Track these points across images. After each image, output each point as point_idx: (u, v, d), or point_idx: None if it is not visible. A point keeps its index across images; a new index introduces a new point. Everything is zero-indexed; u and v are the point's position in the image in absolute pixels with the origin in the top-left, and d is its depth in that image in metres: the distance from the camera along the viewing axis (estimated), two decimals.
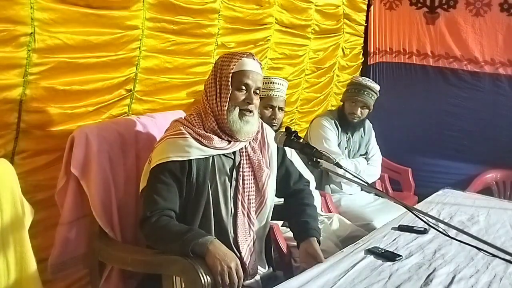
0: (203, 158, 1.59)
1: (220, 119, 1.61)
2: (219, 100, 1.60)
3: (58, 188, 1.72)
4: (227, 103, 1.59)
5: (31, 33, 1.60)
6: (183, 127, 1.60)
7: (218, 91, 1.61)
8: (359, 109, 2.75)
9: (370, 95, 2.76)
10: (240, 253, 1.62)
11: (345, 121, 2.80)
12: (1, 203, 1.33)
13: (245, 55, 1.63)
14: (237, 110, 1.60)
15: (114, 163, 1.77)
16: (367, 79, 2.89)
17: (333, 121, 2.80)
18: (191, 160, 1.56)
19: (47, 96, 1.72)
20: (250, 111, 1.61)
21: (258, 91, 1.64)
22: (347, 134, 2.83)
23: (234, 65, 1.59)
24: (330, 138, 2.73)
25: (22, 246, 1.36)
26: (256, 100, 1.63)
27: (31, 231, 1.42)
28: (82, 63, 1.80)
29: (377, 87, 2.80)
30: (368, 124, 2.97)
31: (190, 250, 1.41)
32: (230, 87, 1.59)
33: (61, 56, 1.72)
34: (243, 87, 1.60)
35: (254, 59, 1.64)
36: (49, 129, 1.76)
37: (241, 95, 1.60)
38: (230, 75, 1.59)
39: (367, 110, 2.80)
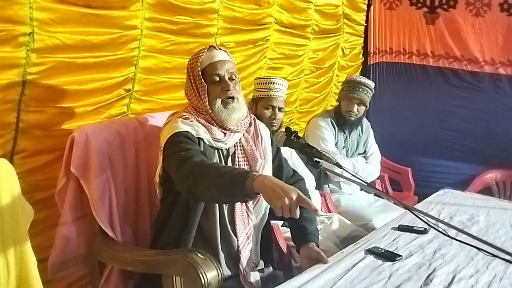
0: (208, 144, 1.61)
1: (207, 114, 1.65)
2: (200, 99, 1.65)
3: (58, 188, 1.72)
4: (207, 99, 1.63)
5: (30, 33, 1.60)
6: (186, 113, 1.66)
7: (196, 91, 1.66)
8: (356, 106, 2.75)
9: (366, 92, 2.76)
10: (237, 240, 1.64)
11: (342, 120, 2.80)
12: (1, 203, 1.32)
13: (207, 49, 1.68)
14: (219, 101, 1.63)
15: (114, 163, 1.77)
16: (361, 76, 2.89)
17: (329, 121, 2.79)
18: (199, 140, 1.59)
19: (46, 96, 1.72)
20: (232, 98, 1.64)
21: (233, 77, 1.67)
22: (345, 133, 2.83)
23: (200, 62, 1.65)
24: (327, 138, 2.73)
25: (22, 246, 1.36)
26: (235, 85, 1.66)
27: (31, 231, 1.41)
28: (81, 63, 1.80)
29: (371, 83, 2.81)
30: (366, 122, 2.97)
31: (245, 182, 1.28)
32: (205, 83, 1.63)
33: (60, 56, 1.72)
34: (216, 78, 1.64)
35: (217, 49, 1.69)
36: (48, 129, 1.76)
37: (217, 86, 1.64)
38: (200, 72, 1.64)
39: (363, 107, 2.80)
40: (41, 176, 1.77)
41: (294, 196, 1.21)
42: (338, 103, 2.89)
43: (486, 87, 3.51)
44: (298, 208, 1.22)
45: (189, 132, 1.57)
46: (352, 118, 2.78)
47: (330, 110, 2.99)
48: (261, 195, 1.67)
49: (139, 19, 1.98)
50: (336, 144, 2.77)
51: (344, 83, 2.86)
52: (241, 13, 2.54)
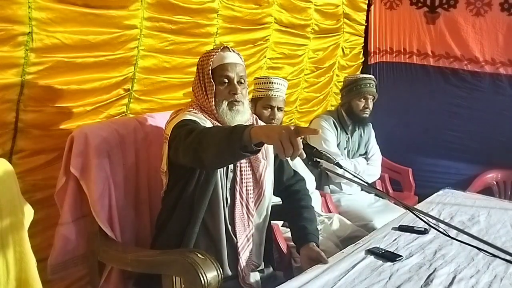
0: None
1: (212, 113, 1.65)
2: (206, 98, 1.66)
3: (57, 188, 1.71)
4: (214, 98, 1.64)
5: (29, 32, 1.60)
6: (192, 109, 1.66)
7: (204, 89, 1.66)
8: (370, 102, 2.77)
9: (374, 86, 2.79)
10: (237, 242, 1.63)
11: (352, 119, 2.80)
12: (0, 203, 1.32)
13: (220, 49, 1.67)
14: (225, 103, 1.63)
15: (114, 163, 1.77)
16: (358, 74, 2.88)
17: (332, 121, 2.78)
18: None
19: (45, 95, 1.72)
20: (238, 101, 1.64)
21: (242, 80, 1.67)
22: (347, 134, 2.82)
23: (212, 61, 1.65)
24: (329, 139, 2.72)
25: (22, 246, 1.35)
26: (242, 90, 1.66)
27: (30, 231, 1.41)
28: (80, 62, 1.80)
29: (372, 76, 2.84)
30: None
31: (243, 132, 1.25)
32: (213, 83, 1.63)
33: (59, 56, 1.72)
34: (225, 80, 1.64)
35: (230, 51, 1.69)
36: (47, 129, 1.76)
37: (225, 88, 1.64)
38: (210, 72, 1.64)
39: (372, 102, 2.81)
40: (40, 176, 1.77)
41: (292, 127, 1.16)
42: (344, 104, 2.84)
43: (486, 87, 3.50)
44: (301, 143, 1.16)
45: (196, 121, 1.57)
46: (367, 115, 2.79)
47: (333, 111, 2.97)
48: (262, 187, 1.69)
49: (138, 18, 1.98)
50: (338, 145, 2.76)
51: (351, 83, 2.80)
52: (241, 13, 2.53)
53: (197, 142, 1.38)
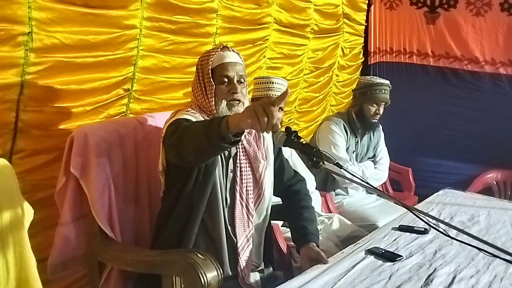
0: None
1: (211, 113, 1.65)
2: (206, 97, 1.65)
3: (57, 188, 1.72)
4: (214, 98, 1.63)
5: (29, 32, 1.59)
6: (191, 109, 1.66)
7: (203, 89, 1.66)
8: (382, 107, 2.77)
9: (388, 92, 2.78)
10: (236, 242, 1.63)
11: (364, 123, 2.79)
12: (0, 203, 1.31)
13: (220, 49, 1.67)
14: (224, 102, 1.63)
15: (114, 163, 1.77)
16: (375, 77, 2.87)
17: (342, 125, 2.77)
18: None
19: (45, 95, 1.71)
20: (237, 100, 1.63)
21: (242, 80, 1.67)
22: (356, 137, 2.82)
23: (212, 61, 1.64)
24: (339, 144, 2.71)
25: (22, 246, 1.35)
26: (242, 89, 1.65)
27: (30, 231, 1.41)
28: (79, 62, 1.80)
29: (388, 82, 2.81)
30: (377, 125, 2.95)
31: (221, 123, 1.27)
32: (213, 82, 1.63)
33: (59, 56, 1.71)
34: (225, 79, 1.63)
35: (230, 50, 1.69)
36: (47, 129, 1.76)
37: (225, 88, 1.63)
38: (210, 71, 1.63)
39: (383, 107, 2.80)
40: (40, 176, 1.77)
41: (264, 99, 1.20)
42: (355, 105, 2.84)
43: (486, 87, 3.50)
44: (276, 111, 1.17)
45: (192, 121, 1.57)
46: (376, 120, 2.79)
47: (343, 113, 2.95)
48: (262, 187, 1.69)
49: (138, 18, 1.97)
50: (347, 149, 2.76)
51: (366, 86, 2.78)
52: (240, 13, 2.53)
53: (178, 138, 1.41)
